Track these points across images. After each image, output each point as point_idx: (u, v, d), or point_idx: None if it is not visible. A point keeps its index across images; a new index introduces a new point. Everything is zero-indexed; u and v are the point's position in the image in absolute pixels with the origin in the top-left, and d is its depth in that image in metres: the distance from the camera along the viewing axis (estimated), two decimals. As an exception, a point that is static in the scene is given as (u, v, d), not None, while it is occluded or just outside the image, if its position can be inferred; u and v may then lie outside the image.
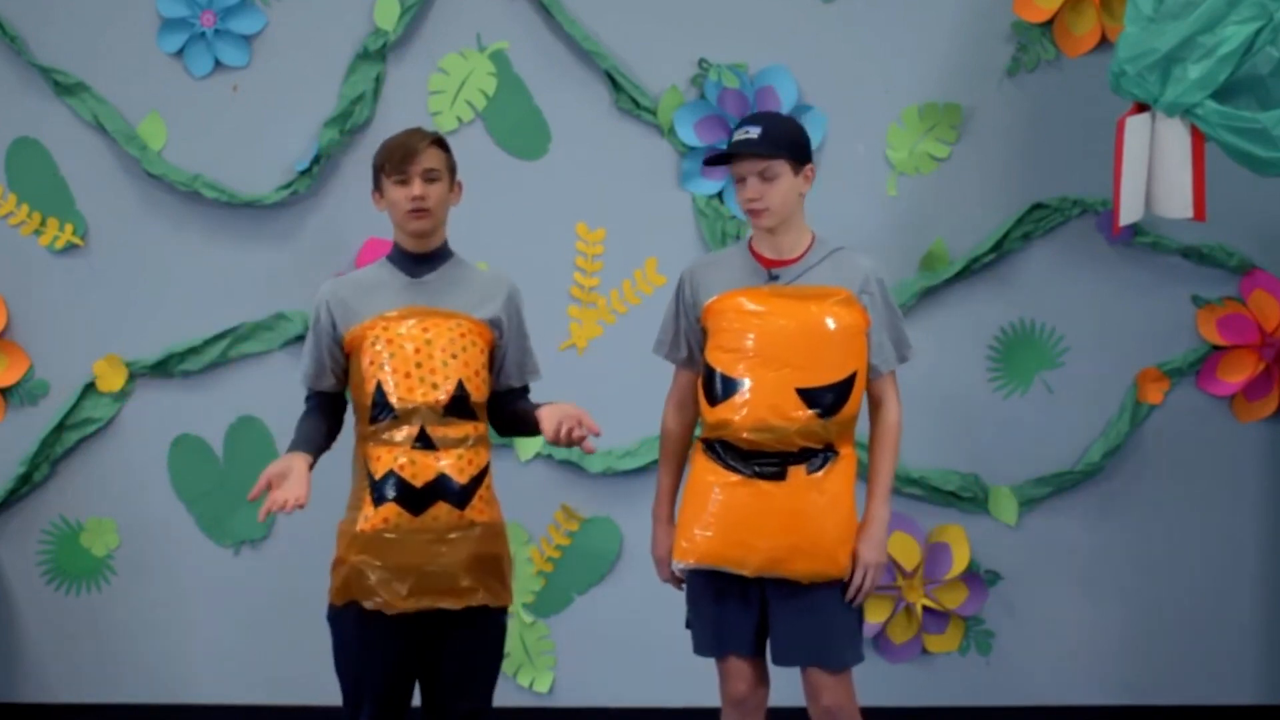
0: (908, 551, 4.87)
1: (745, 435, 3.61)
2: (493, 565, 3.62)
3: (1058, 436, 4.94)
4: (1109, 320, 4.93)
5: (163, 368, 4.92)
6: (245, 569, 4.97)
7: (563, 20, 4.83)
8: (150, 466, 4.95)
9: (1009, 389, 4.95)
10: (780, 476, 3.62)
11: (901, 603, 4.89)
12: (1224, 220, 4.66)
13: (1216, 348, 4.92)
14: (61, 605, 4.98)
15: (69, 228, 4.91)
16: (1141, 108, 4.23)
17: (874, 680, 4.67)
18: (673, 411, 3.90)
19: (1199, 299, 4.92)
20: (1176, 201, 4.25)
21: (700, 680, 4.81)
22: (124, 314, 4.93)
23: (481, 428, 3.62)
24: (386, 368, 3.54)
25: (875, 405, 3.79)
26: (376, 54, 4.86)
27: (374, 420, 3.55)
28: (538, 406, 3.65)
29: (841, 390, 3.63)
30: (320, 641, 3.70)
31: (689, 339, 3.83)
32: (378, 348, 3.56)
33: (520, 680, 4.96)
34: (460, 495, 3.53)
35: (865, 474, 3.81)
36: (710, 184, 4.87)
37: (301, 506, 3.40)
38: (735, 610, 3.72)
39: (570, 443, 3.56)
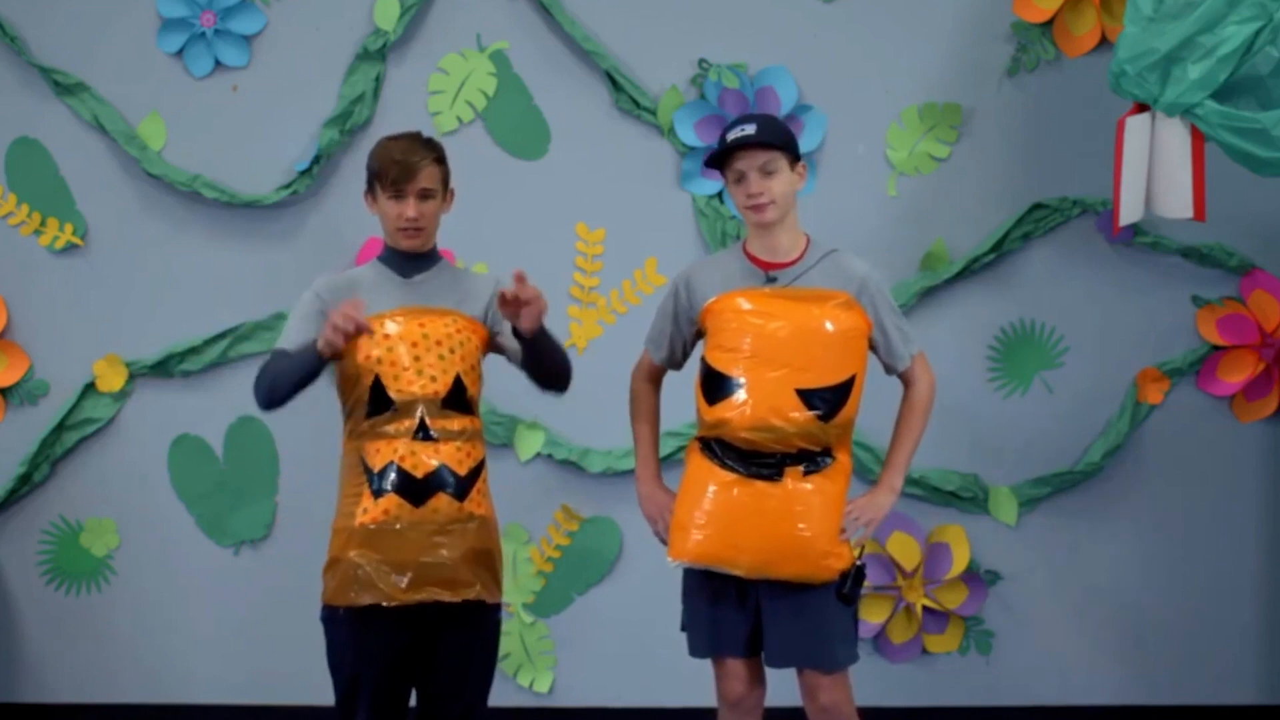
0: (908, 551, 4.87)
1: (744, 434, 3.62)
2: (487, 560, 3.64)
3: (1058, 436, 4.94)
4: (1109, 320, 4.93)
5: (163, 368, 4.92)
6: (245, 569, 4.97)
7: (563, 20, 4.83)
8: (150, 466, 4.95)
9: (1009, 389, 4.95)
10: (776, 477, 3.63)
11: (901, 603, 4.89)
12: (1224, 220, 4.66)
13: (1216, 348, 4.92)
14: (61, 605, 4.98)
15: (69, 228, 4.91)
16: (1141, 108, 4.23)
17: (874, 680, 4.67)
18: (640, 379, 3.96)
19: (1199, 299, 4.92)
20: (1176, 201, 4.25)
21: (700, 680, 4.81)
22: (124, 314, 4.93)
23: (477, 423, 3.65)
24: (383, 363, 3.56)
25: (906, 386, 3.83)
26: (376, 54, 4.86)
27: (371, 415, 3.56)
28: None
29: (840, 393, 3.64)
30: (320, 641, 3.70)
31: (675, 342, 3.86)
32: (373, 343, 3.57)
33: (520, 680, 4.96)
34: (460, 487, 3.56)
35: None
36: (710, 184, 4.87)
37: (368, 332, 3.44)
38: (730, 612, 3.72)
39: (517, 302, 3.51)
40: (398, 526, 3.53)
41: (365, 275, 3.71)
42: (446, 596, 3.56)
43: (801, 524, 3.62)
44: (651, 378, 3.96)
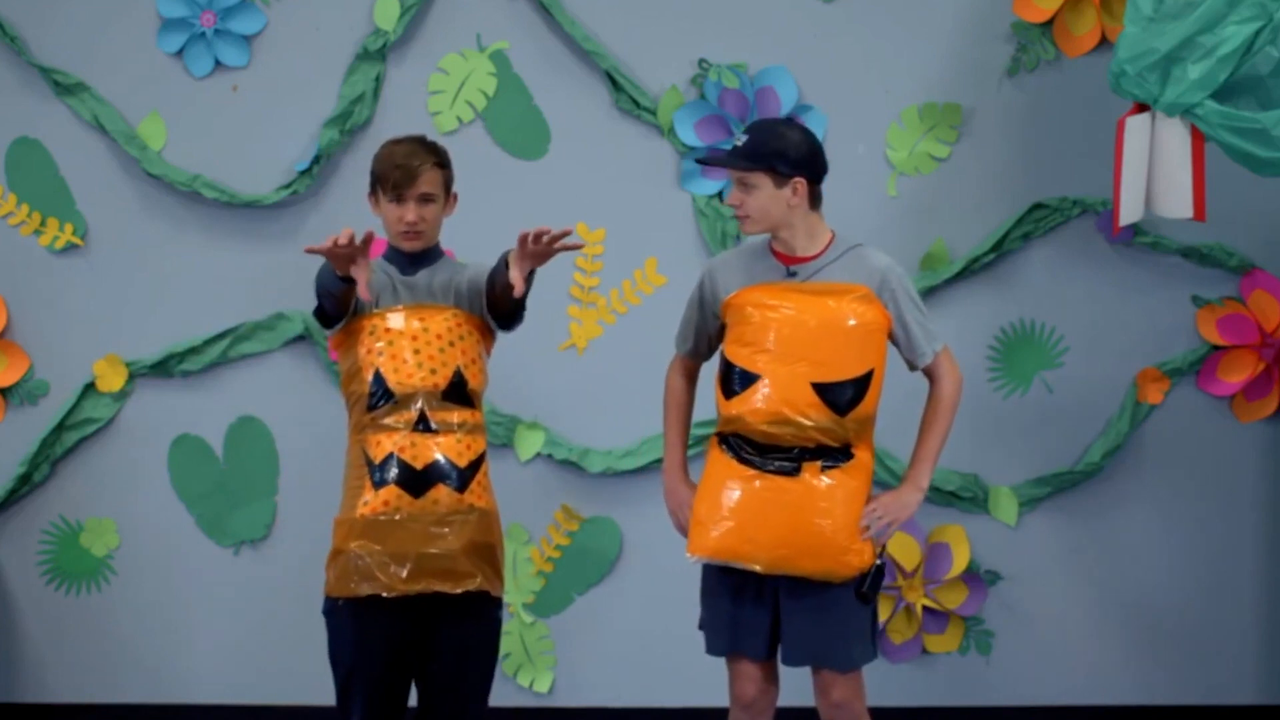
0: (908, 551, 4.87)
1: (761, 428, 3.63)
2: (488, 553, 3.65)
3: (1058, 436, 4.94)
4: (1109, 320, 4.93)
5: (163, 368, 4.92)
6: (245, 569, 4.96)
7: (563, 20, 4.83)
8: (150, 466, 4.95)
9: (1009, 389, 4.95)
10: (794, 473, 3.64)
11: (901, 603, 4.89)
12: (1224, 220, 4.66)
13: (1216, 348, 4.92)
14: (61, 605, 4.98)
15: (69, 228, 4.91)
16: (1141, 108, 4.23)
17: (874, 680, 4.65)
18: (676, 374, 3.96)
19: (1199, 299, 4.92)
20: (1176, 201, 4.25)
21: (700, 680, 4.81)
22: (124, 314, 4.93)
23: (478, 416, 3.66)
24: (384, 356, 3.59)
25: (931, 382, 3.83)
26: (376, 54, 4.86)
27: (372, 407, 3.58)
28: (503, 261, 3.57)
29: (858, 387, 3.65)
30: (320, 641, 3.70)
31: (700, 333, 3.87)
32: (374, 337, 3.61)
33: (520, 680, 4.96)
34: (460, 478, 3.58)
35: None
36: (710, 184, 4.87)
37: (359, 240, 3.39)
38: (750, 610, 3.73)
39: (548, 246, 3.45)
40: (398, 517, 3.55)
41: (374, 269, 3.72)
42: (446, 588, 3.58)
43: (821, 519, 3.63)
44: (684, 372, 3.96)
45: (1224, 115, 4.09)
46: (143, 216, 4.91)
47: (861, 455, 3.71)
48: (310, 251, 3.44)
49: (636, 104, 4.86)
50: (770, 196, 3.68)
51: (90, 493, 4.96)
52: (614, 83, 4.85)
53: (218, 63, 4.88)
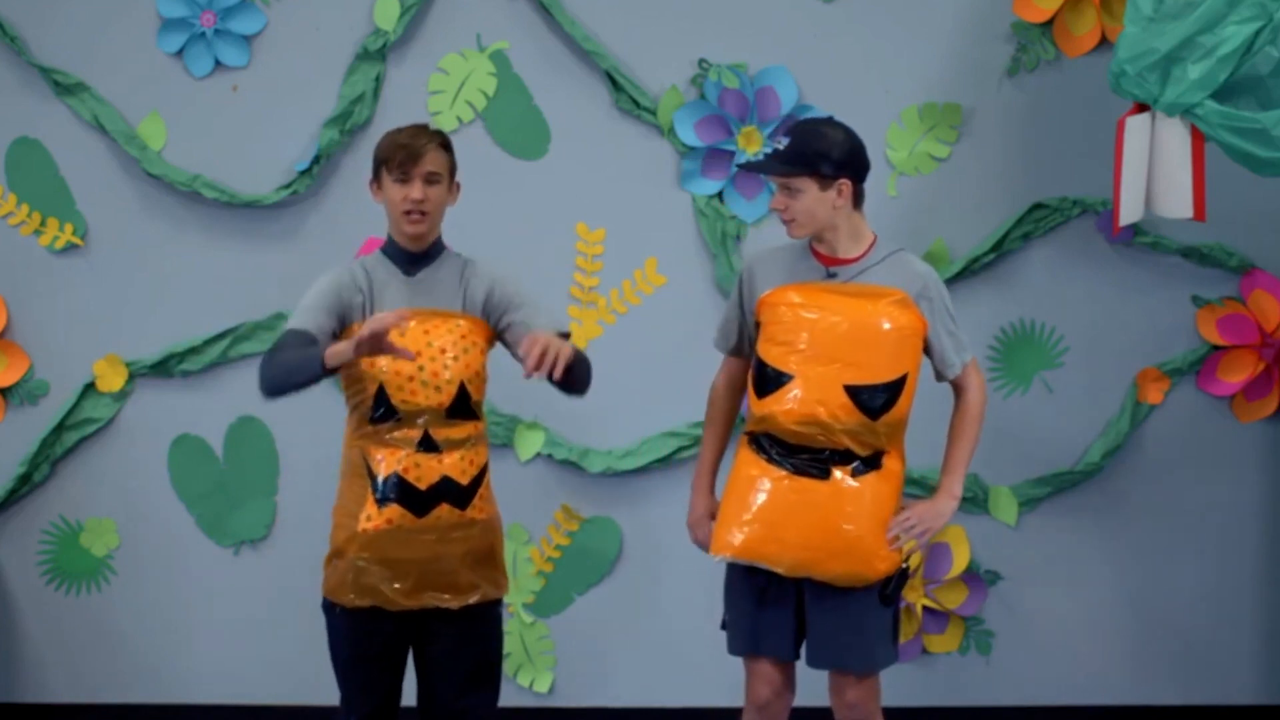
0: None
1: (791, 428, 3.62)
2: (488, 556, 3.65)
3: (1058, 436, 4.94)
4: (1109, 320, 4.93)
5: (163, 368, 4.92)
6: (245, 569, 4.96)
7: (563, 20, 4.83)
8: (150, 466, 4.95)
9: (1009, 389, 4.95)
10: (823, 475, 3.64)
11: (901, 603, 4.89)
12: (1224, 220, 4.66)
13: (1216, 348, 4.92)
14: (61, 605, 4.98)
15: (69, 228, 4.91)
16: (1141, 108, 4.23)
17: (874, 680, 4.68)
18: (722, 384, 3.94)
19: (1199, 299, 4.92)
20: (1176, 201, 4.25)
21: (700, 680, 4.82)
22: (124, 314, 4.93)
23: (481, 426, 3.64)
24: (388, 370, 3.53)
25: (958, 392, 3.85)
26: (376, 54, 4.86)
27: (374, 421, 3.55)
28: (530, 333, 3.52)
29: (891, 391, 3.64)
30: (320, 641, 3.71)
31: (741, 329, 3.86)
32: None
33: (520, 680, 4.96)
34: (463, 496, 3.56)
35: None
36: (710, 184, 4.87)
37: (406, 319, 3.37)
38: (774, 611, 3.73)
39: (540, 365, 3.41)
40: (400, 535, 3.54)
41: (373, 269, 3.68)
42: (448, 603, 3.57)
43: (849, 523, 3.63)
44: (729, 378, 3.92)
45: (1224, 115, 4.09)
46: (143, 216, 4.91)
47: (891, 462, 3.70)
48: (361, 348, 3.32)
49: (636, 104, 4.85)
50: (815, 199, 3.66)
51: (90, 493, 4.96)
52: (614, 83, 4.85)
53: (218, 63, 4.88)
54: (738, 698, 3.88)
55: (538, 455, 4.92)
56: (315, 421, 4.78)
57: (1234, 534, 4.98)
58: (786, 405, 3.64)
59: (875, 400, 3.63)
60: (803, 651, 3.79)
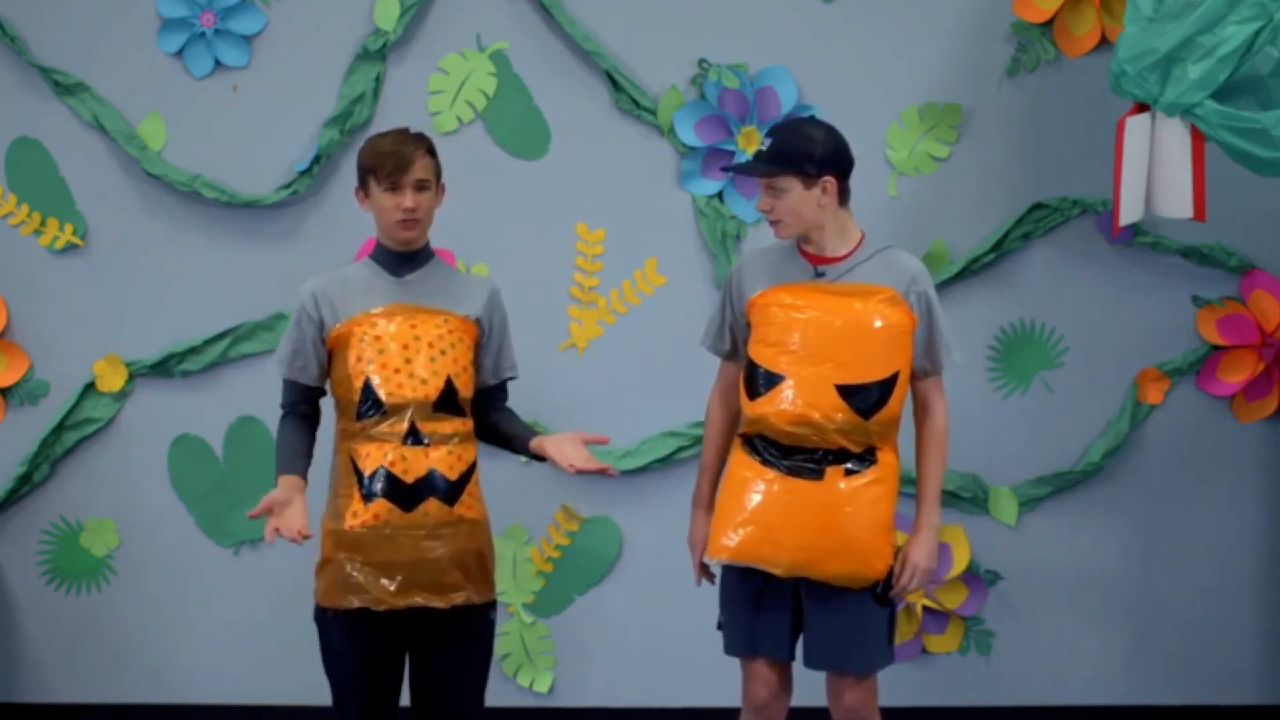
0: (908, 551, 4.87)
1: (784, 429, 3.62)
2: (477, 560, 3.63)
3: (1058, 436, 4.94)
4: (1109, 320, 4.93)
5: (163, 368, 4.92)
6: (245, 569, 4.96)
7: (563, 20, 4.83)
8: (150, 466, 4.95)
9: (1009, 389, 4.95)
10: (817, 476, 3.63)
11: (901, 602, 4.88)
12: (1224, 220, 4.66)
13: (1216, 348, 4.92)
14: (61, 605, 4.98)
15: (69, 228, 4.91)
16: (1141, 108, 4.23)
17: (874, 680, 4.68)
18: (717, 400, 3.91)
19: (1199, 299, 4.92)
20: (1176, 201, 4.25)
21: (700, 680, 4.82)
22: (124, 314, 4.93)
23: (469, 424, 3.63)
24: (374, 364, 3.54)
25: (921, 409, 3.80)
26: (376, 54, 4.86)
27: (361, 416, 3.55)
28: (529, 433, 3.69)
29: (883, 389, 3.64)
30: (318, 641, 3.70)
31: (734, 332, 3.84)
32: (364, 344, 3.57)
33: (520, 680, 4.96)
34: (450, 491, 3.55)
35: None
36: (710, 184, 4.87)
37: (309, 538, 3.48)
38: (771, 612, 3.72)
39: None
40: (386, 531, 3.52)
41: (357, 274, 3.69)
42: (435, 603, 3.55)
43: (847, 523, 3.62)
44: (727, 394, 3.87)
45: (1224, 115, 4.09)
46: (143, 216, 4.91)
47: (886, 458, 3.70)
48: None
49: (636, 104, 4.85)
50: (800, 198, 3.66)
51: (90, 493, 4.96)
52: (614, 83, 4.85)
53: (218, 63, 4.88)
54: (737, 698, 3.87)
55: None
56: (315, 421, 4.78)
57: (1234, 534, 4.98)
58: (779, 406, 3.63)
59: (868, 399, 3.62)
60: (799, 652, 3.78)
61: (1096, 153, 4.66)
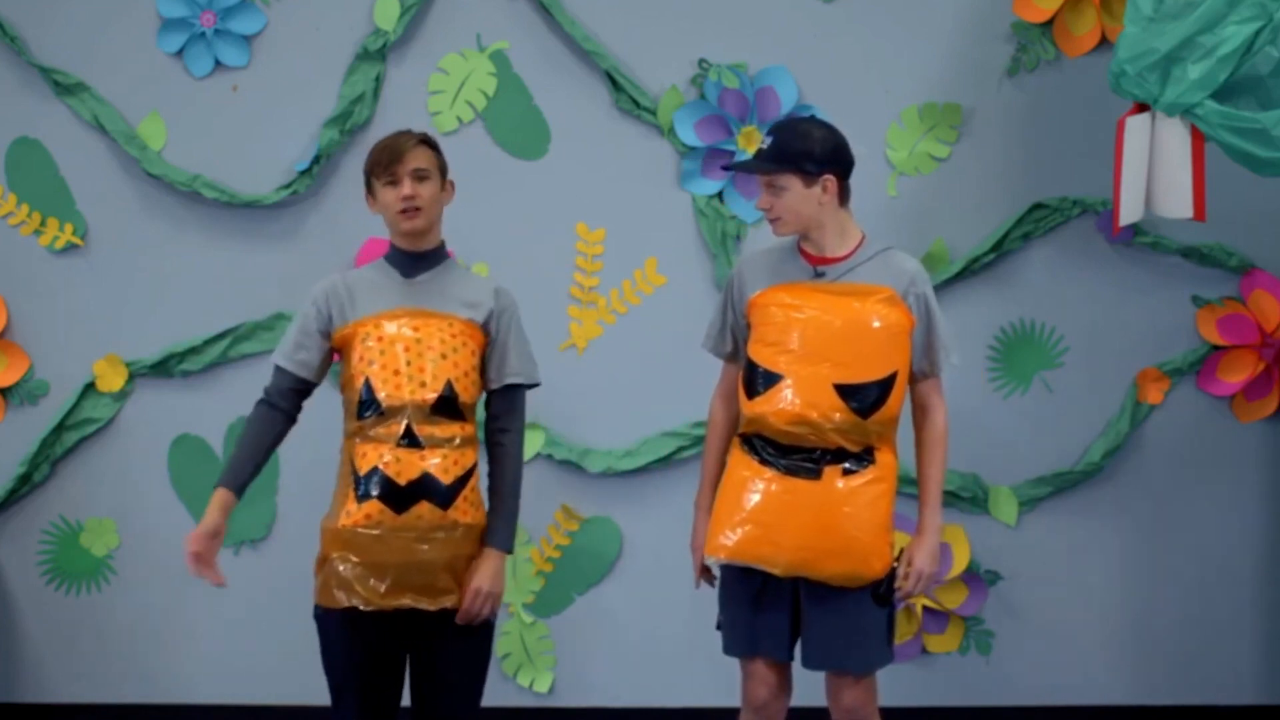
0: (908, 551, 4.87)
1: (783, 428, 3.62)
2: (471, 565, 3.62)
3: (1058, 436, 4.94)
4: (1109, 320, 4.93)
5: (163, 368, 4.92)
6: (245, 569, 4.96)
7: (563, 20, 4.83)
8: (150, 466, 4.95)
9: (1009, 389, 4.95)
10: (815, 475, 3.63)
11: (901, 603, 4.88)
12: (1224, 220, 4.66)
13: (1216, 348, 4.92)
14: (61, 605, 4.98)
15: (69, 228, 4.91)
16: (1141, 108, 4.23)
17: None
18: (719, 403, 3.91)
19: (1199, 299, 4.92)
20: (1176, 201, 4.25)
21: (700, 680, 4.82)
22: (124, 314, 4.93)
23: (470, 429, 3.62)
24: (375, 365, 3.55)
25: (921, 411, 3.80)
26: (376, 54, 4.86)
27: (361, 417, 3.56)
28: (490, 532, 3.67)
29: (881, 389, 3.64)
30: (318, 641, 3.70)
31: (735, 334, 3.84)
32: (368, 344, 3.58)
33: (520, 680, 4.96)
34: (444, 495, 3.54)
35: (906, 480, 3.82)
36: (710, 184, 4.88)
37: (223, 586, 3.71)
38: (770, 612, 3.72)
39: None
40: (377, 532, 3.52)
41: (366, 276, 3.70)
42: (424, 604, 3.54)
43: (845, 523, 3.62)
44: (728, 397, 3.86)
45: (1224, 115, 4.09)
46: (143, 216, 4.91)
47: (884, 458, 3.70)
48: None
49: (636, 104, 4.86)
50: (800, 197, 3.67)
51: (90, 493, 4.96)
52: (614, 83, 4.85)
53: (218, 63, 4.88)
54: (737, 698, 3.87)
55: (538, 455, 4.92)
56: (315, 421, 4.75)
57: (1234, 534, 4.98)
58: (778, 406, 3.64)
59: (866, 399, 3.62)
60: (798, 652, 3.78)
61: (1096, 153, 4.66)
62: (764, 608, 3.72)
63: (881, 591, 3.71)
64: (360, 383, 3.56)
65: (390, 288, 3.66)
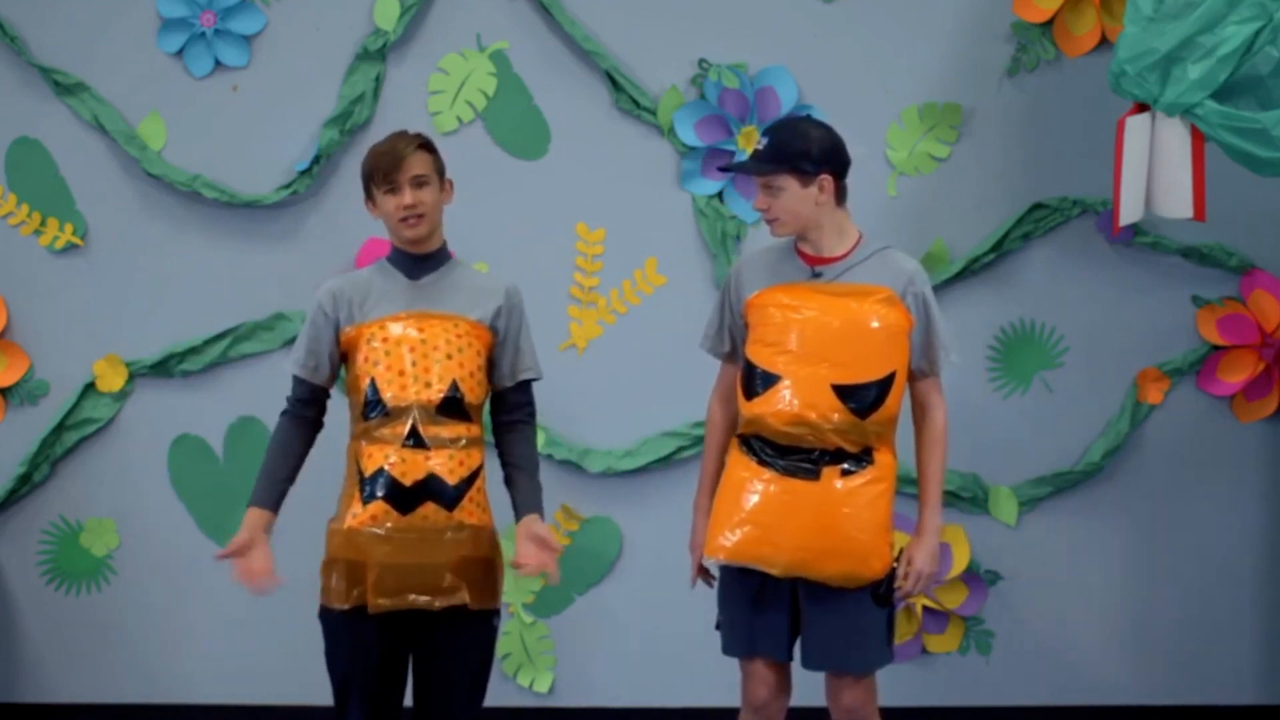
0: (908, 551, 4.87)
1: (781, 429, 3.62)
2: (482, 568, 3.61)
3: (1058, 436, 4.94)
4: (1109, 320, 4.93)
5: (163, 368, 4.92)
6: (245, 569, 4.96)
7: (563, 20, 4.83)
8: (150, 466, 4.95)
9: (1009, 389, 4.95)
10: (813, 476, 3.63)
11: (901, 602, 4.88)
12: (1224, 220, 4.66)
13: (1216, 348, 4.93)
14: (61, 605, 4.98)
15: (69, 228, 4.91)
16: (1141, 108, 4.23)
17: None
18: (717, 403, 3.91)
19: (1199, 299, 4.92)
20: (1176, 201, 4.25)
21: (700, 680, 4.82)
22: (124, 314, 4.93)
23: (475, 430, 3.61)
24: (381, 365, 3.55)
25: (920, 411, 3.80)
26: (376, 54, 4.86)
27: (366, 418, 3.56)
28: (524, 507, 3.69)
29: (880, 389, 3.64)
30: (319, 641, 3.70)
31: (733, 334, 3.84)
32: (374, 345, 3.57)
33: (520, 680, 4.96)
34: (450, 496, 3.53)
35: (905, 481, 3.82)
36: (710, 184, 4.88)
37: (279, 584, 3.62)
38: (769, 612, 3.72)
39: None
40: (382, 532, 3.52)
41: (372, 277, 3.69)
42: (427, 604, 3.54)
43: (844, 523, 3.62)
44: (726, 398, 3.86)
45: (1224, 115, 4.09)
46: (143, 216, 4.92)
47: (883, 458, 3.69)
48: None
49: (636, 104, 4.86)
50: (797, 197, 3.66)
51: (90, 493, 4.96)
52: (614, 83, 4.85)
53: (218, 63, 4.88)
54: (737, 698, 3.87)
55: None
56: (316, 421, 4.78)
57: (1234, 534, 4.98)
58: (776, 407, 3.63)
59: (865, 399, 3.62)
60: (798, 652, 3.78)
61: (1096, 153, 4.66)
62: (763, 608, 3.72)
63: (881, 592, 3.71)
64: (365, 384, 3.56)
65: (395, 289, 3.65)
